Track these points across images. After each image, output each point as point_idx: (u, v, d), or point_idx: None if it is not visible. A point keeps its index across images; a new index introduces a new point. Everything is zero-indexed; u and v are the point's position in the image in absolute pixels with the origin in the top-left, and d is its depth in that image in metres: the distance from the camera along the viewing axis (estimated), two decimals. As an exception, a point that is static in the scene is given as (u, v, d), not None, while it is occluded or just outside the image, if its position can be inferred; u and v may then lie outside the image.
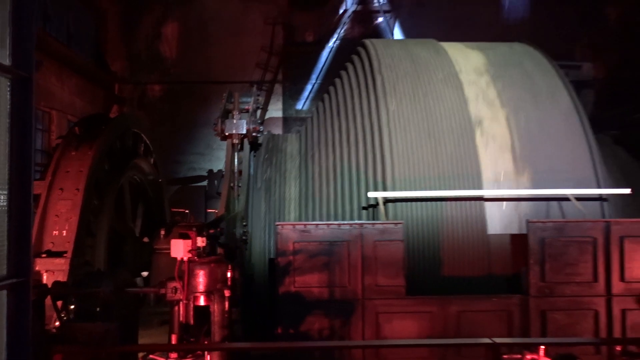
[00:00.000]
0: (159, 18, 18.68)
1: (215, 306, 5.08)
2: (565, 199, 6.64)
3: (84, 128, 6.91)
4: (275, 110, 18.63)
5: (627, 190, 6.88)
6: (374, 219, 6.65)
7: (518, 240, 6.28)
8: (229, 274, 5.23)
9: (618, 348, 5.30)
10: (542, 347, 4.03)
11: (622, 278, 5.82)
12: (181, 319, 5.09)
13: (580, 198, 6.63)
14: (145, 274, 7.01)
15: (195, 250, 5.08)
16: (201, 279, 5.07)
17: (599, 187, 6.80)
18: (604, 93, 16.78)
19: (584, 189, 6.72)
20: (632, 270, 5.82)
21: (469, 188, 6.63)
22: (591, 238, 5.87)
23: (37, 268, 5.83)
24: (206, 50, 18.30)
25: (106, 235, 6.73)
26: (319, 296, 5.78)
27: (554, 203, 6.73)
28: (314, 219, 7.07)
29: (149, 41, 18.67)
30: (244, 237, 6.70)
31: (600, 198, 6.79)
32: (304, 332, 5.71)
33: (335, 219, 6.91)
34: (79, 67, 15.87)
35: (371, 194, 6.66)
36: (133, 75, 18.51)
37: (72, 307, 5.36)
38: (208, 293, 5.09)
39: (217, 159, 17.06)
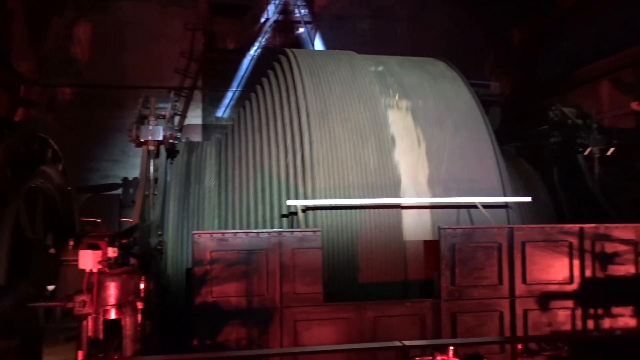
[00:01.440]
0: (71, 19, 17.78)
1: (127, 319, 4.89)
2: (474, 206, 7.01)
3: (-18, 132, 6.43)
4: (195, 117, 18.27)
5: (528, 199, 7.40)
6: (293, 227, 6.68)
7: (431, 246, 6.55)
8: (142, 285, 5.06)
9: (520, 346, 5.65)
10: (451, 348, 4.21)
11: (524, 280, 6.21)
12: (90, 333, 4.85)
13: (487, 206, 7.04)
14: (51, 287, 6.63)
15: (105, 261, 4.87)
16: (112, 291, 4.87)
17: (504, 195, 7.24)
18: (508, 108, 17.92)
19: (490, 197, 7.13)
20: (532, 273, 6.22)
21: (386, 197, 6.84)
22: (496, 243, 6.21)
23: None
24: (122, 54, 17.63)
25: (8, 246, 6.29)
26: (237, 305, 5.71)
27: (464, 210, 7.09)
28: (233, 228, 7.00)
29: (59, 42, 17.70)
30: (159, 247, 6.51)
31: (505, 206, 7.24)
32: (222, 342, 5.62)
33: (255, 227, 6.89)
34: (-21, 67, 14.78)
35: (290, 202, 6.70)
36: (42, 77, 17.45)
37: (-33, 324, 4.97)
38: (119, 306, 4.89)
39: (133, 166, 16.43)
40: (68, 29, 17.81)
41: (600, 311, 6.31)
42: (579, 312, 6.29)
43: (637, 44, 13.51)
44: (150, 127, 7.13)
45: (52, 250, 7.13)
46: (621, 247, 6.39)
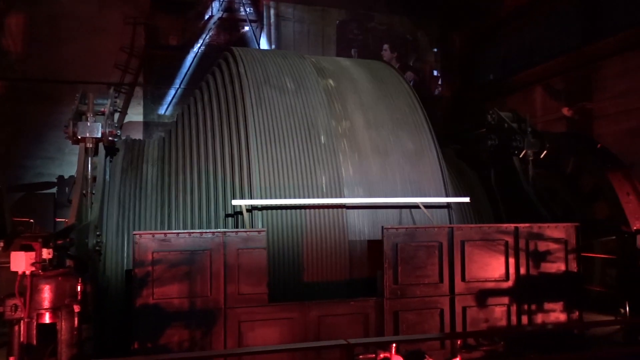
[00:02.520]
0: (1, 8, 16.87)
1: (63, 323, 4.72)
2: (416, 206, 7.18)
3: None
4: (136, 115, 17.75)
5: (467, 199, 7.65)
6: (238, 227, 6.62)
7: (375, 246, 6.65)
8: (79, 288, 4.88)
9: (459, 342, 5.84)
10: (394, 345, 4.29)
11: (463, 278, 6.42)
12: (22, 339, 4.64)
13: (429, 206, 7.22)
14: (-21, 291, 6.25)
15: (39, 263, 4.67)
16: (46, 294, 4.68)
17: (446, 196, 7.45)
18: (449, 112, 18.49)
19: (432, 197, 7.32)
20: (471, 271, 6.44)
21: (330, 197, 6.89)
22: (437, 242, 6.38)
23: None
24: (58, 47, 16.89)
25: None
26: (180, 307, 5.60)
27: (407, 210, 7.25)
28: (175, 228, 6.86)
29: (-12, 32, 16.78)
30: (97, 248, 6.28)
31: (446, 206, 7.45)
32: (163, 345, 5.49)
33: (199, 227, 6.77)
34: None
35: (235, 202, 6.64)
36: (-32, 69, 16.49)
37: None
38: (54, 309, 4.71)
39: (69, 164, 15.78)
40: (-2, 19, 16.90)
41: (533, 307, 6.61)
42: (514, 308, 6.56)
43: (566, 52, 14.26)
44: (88, 124, 6.87)
45: (-20, 252, 6.74)
46: (553, 246, 6.72)
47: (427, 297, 6.32)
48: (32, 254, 4.67)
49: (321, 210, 6.84)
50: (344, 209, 6.95)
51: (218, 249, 5.73)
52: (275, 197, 6.67)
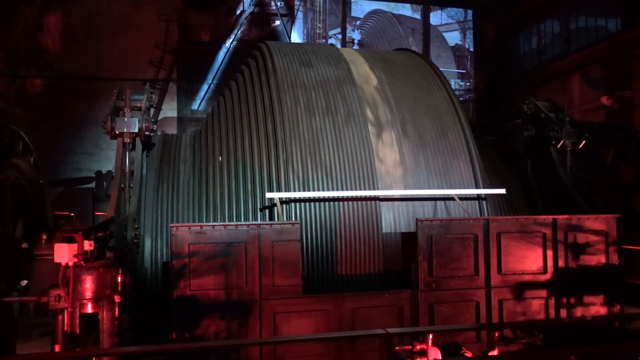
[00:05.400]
0: (40, 8, 17.36)
1: (104, 313, 4.83)
2: (450, 198, 7.10)
3: (-50, 123, 6.23)
4: (170, 110, 18.05)
5: (503, 191, 7.51)
6: (272, 220, 6.67)
7: (408, 238, 6.60)
8: (119, 279, 4.99)
9: (497, 334, 5.76)
10: (430, 336, 4.27)
11: (499, 271, 6.31)
12: (66, 328, 4.77)
13: (463, 198, 7.13)
14: (24, 282, 6.47)
15: (81, 254, 4.79)
16: (88, 284, 4.80)
17: (482, 187, 7.34)
18: (483, 102, 18.18)
19: (466, 189, 7.23)
20: (507, 263, 6.33)
21: (363, 189, 6.88)
22: (473, 234, 6.29)
23: None
24: (94, 45, 17.29)
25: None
26: (216, 298, 5.69)
27: (441, 202, 7.17)
28: (211, 220, 6.95)
29: (28, 32, 17.26)
30: (135, 240, 6.42)
31: (481, 197, 7.34)
32: (200, 335, 5.59)
33: (235, 220, 6.85)
34: (-55, 56, 14.29)
35: (269, 195, 6.69)
36: (9, 68, 17.00)
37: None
38: (96, 300, 4.83)
39: (106, 159, 16.19)
40: (37, 19, 17.38)
41: (572, 300, 6.46)
42: (552, 301, 6.42)
43: (604, 40, 13.83)
44: (126, 119, 7.00)
45: (24, 245, 6.96)
46: (593, 238, 6.55)
47: (462, 289, 6.24)
48: (75, 246, 4.79)
49: (355, 202, 6.83)
50: (378, 201, 6.92)
51: (253, 241, 5.79)
52: (309, 190, 6.69)
